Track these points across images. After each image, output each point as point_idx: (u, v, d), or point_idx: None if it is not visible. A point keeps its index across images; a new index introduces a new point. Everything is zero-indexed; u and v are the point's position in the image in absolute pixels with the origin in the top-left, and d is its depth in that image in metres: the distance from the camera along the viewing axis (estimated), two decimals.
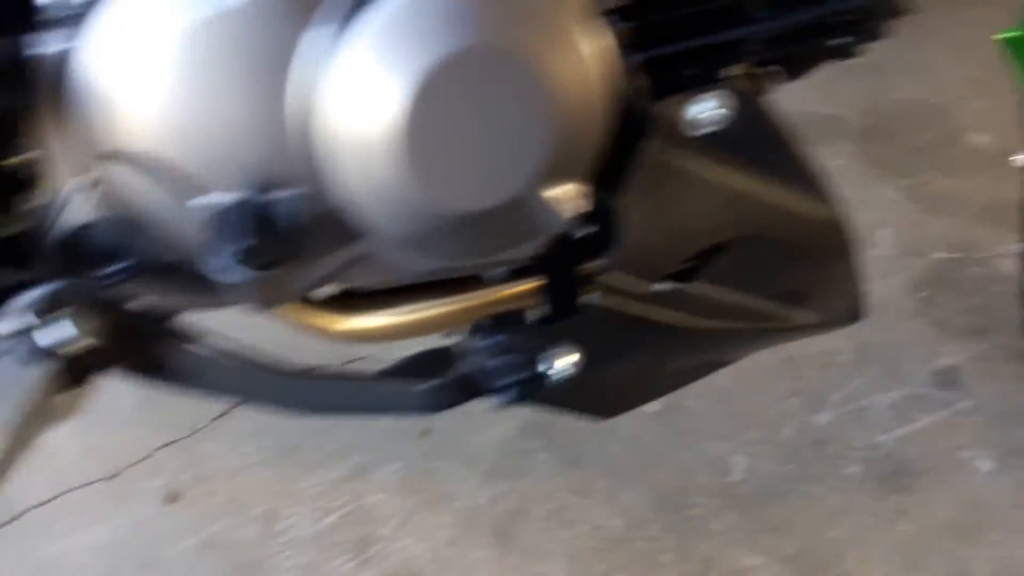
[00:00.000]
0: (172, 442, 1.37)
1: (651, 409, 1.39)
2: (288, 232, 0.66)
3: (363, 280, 0.78)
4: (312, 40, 0.63)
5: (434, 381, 0.82)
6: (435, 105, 0.64)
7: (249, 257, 0.64)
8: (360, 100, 0.64)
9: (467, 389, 0.83)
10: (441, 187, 0.67)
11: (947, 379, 1.42)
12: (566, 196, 0.69)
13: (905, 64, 2.12)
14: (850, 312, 0.92)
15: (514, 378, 0.80)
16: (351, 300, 0.81)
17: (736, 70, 0.81)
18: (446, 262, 0.76)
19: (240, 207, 0.64)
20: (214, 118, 0.64)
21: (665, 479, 1.29)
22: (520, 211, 0.69)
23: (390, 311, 0.80)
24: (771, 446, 1.33)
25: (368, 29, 0.63)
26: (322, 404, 0.81)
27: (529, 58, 0.65)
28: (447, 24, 0.63)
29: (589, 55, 0.68)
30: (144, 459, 1.35)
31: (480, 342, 0.82)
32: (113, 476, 1.33)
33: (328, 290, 0.80)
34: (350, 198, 0.68)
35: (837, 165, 1.89)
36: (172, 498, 1.30)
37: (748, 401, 1.40)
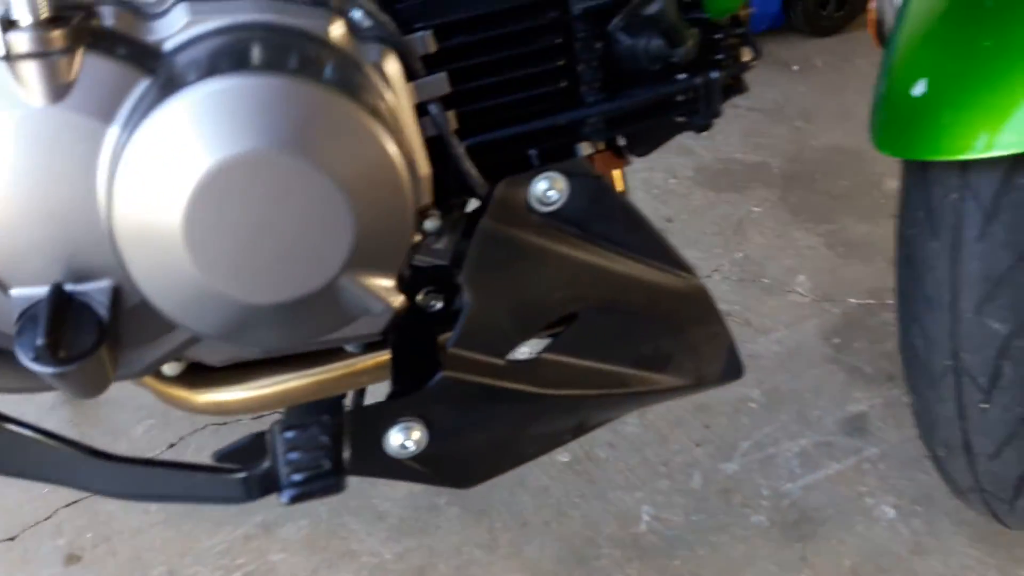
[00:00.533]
0: (75, 501, 1.35)
1: (561, 459, 1.39)
2: (96, 324, 0.66)
3: (210, 357, 0.78)
4: (115, 133, 0.64)
5: (241, 473, 0.81)
6: (219, 202, 0.63)
7: (44, 353, 0.64)
8: (145, 194, 0.63)
9: (268, 482, 0.81)
10: (227, 281, 0.66)
11: (856, 426, 1.43)
12: (379, 285, 0.68)
13: (829, 110, 2.17)
14: (726, 370, 0.93)
15: (305, 474, 0.79)
16: (207, 374, 0.80)
17: (584, 148, 0.83)
18: (265, 347, 0.75)
19: (43, 302, 0.65)
20: (25, 211, 0.65)
21: (572, 530, 1.28)
22: (331, 300, 0.68)
23: (246, 385, 0.80)
24: (679, 495, 1.33)
25: (157, 124, 0.62)
26: (132, 490, 0.80)
27: (323, 160, 0.63)
28: (233, 126, 0.61)
29: (395, 153, 0.66)
30: (47, 519, 1.33)
31: (280, 434, 0.80)
32: (13, 537, 1.31)
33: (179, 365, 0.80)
34: (147, 290, 0.67)
35: (757, 212, 1.93)
36: (73, 559, 1.28)
37: (659, 449, 1.41)
